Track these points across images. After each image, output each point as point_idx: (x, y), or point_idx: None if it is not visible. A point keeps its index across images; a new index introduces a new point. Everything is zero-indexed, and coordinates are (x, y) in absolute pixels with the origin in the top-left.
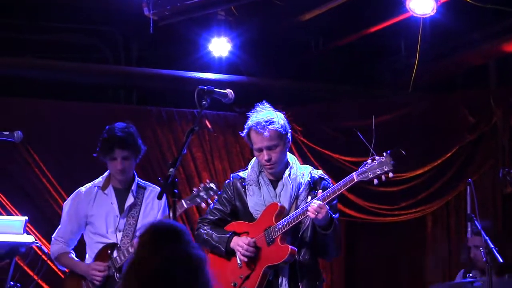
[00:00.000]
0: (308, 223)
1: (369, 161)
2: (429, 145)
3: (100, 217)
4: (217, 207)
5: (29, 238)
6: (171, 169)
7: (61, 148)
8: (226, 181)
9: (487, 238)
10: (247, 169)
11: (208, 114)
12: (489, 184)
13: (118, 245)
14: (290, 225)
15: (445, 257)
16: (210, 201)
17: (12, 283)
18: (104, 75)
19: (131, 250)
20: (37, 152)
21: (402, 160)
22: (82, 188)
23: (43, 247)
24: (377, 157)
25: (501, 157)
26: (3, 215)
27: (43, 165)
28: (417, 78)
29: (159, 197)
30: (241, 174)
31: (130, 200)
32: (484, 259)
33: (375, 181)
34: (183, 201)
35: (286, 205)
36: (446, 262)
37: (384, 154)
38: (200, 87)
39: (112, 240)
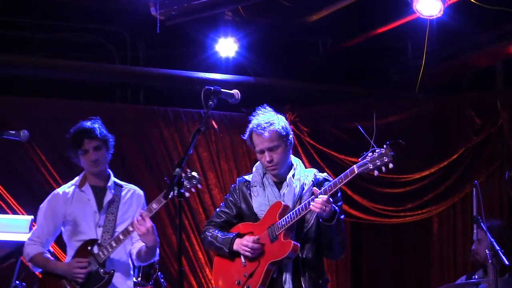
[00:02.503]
0: (312, 221)
1: (369, 153)
2: (435, 146)
3: (78, 214)
4: (223, 210)
5: None
6: (177, 169)
7: (67, 147)
8: (232, 185)
9: (492, 240)
10: (252, 173)
11: (214, 115)
12: (495, 185)
13: (99, 241)
14: (293, 221)
15: (451, 258)
16: (193, 190)
17: (17, 282)
18: (111, 75)
19: (114, 244)
20: (44, 151)
21: (401, 151)
22: (59, 189)
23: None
24: (377, 149)
25: (507, 158)
26: (9, 214)
27: (49, 164)
28: (424, 80)
29: (165, 197)
30: (246, 177)
31: (108, 196)
32: (489, 261)
33: (376, 172)
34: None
35: (290, 205)
36: (451, 263)
37: (384, 145)
38: (206, 87)
39: (92, 236)
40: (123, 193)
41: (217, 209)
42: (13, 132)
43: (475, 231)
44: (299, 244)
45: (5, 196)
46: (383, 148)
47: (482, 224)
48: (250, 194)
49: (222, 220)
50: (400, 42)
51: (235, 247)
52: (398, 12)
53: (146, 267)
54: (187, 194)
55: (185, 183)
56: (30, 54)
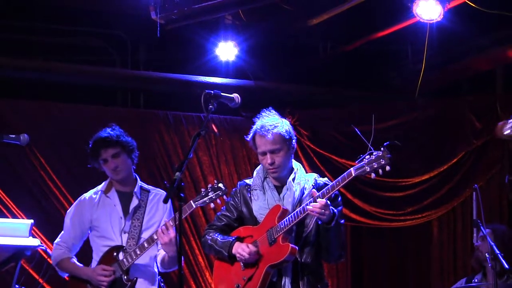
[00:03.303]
0: (312, 225)
1: (366, 155)
2: (436, 150)
3: (104, 219)
4: (224, 213)
5: (35, 242)
6: (177, 173)
7: (67, 151)
8: (233, 189)
9: (493, 244)
10: (253, 177)
11: (214, 118)
12: (495, 189)
13: (124, 247)
14: (291, 224)
15: (451, 262)
16: (219, 201)
17: (17, 286)
18: (112, 79)
19: (138, 252)
20: (44, 155)
21: (399, 153)
22: (86, 194)
23: (48, 250)
24: (374, 152)
25: (507, 162)
26: (9, 218)
27: (49, 168)
28: (423, 83)
29: (165, 201)
30: (247, 181)
31: (134, 202)
32: (489, 265)
33: (373, 175)
34: (191, 201)
35: (290, 209)
36: (451, 267)
37: (381, 148)
38: (206, 91)
39: (117, 242)
40: (150, 198)
41: (218, 213)
42: (13, 136)
43: (475, 235)
44: (297, 247)
45: (4, 200)
46: (380, 150)
47: (482, 227)
48: (250, 197)
49: (223, 223)
50: (400, 46)
51: (233, 251)
52: (398, 16)
53: None
54: (212, 205)
55: (210, 194)
56: (31, 57)
